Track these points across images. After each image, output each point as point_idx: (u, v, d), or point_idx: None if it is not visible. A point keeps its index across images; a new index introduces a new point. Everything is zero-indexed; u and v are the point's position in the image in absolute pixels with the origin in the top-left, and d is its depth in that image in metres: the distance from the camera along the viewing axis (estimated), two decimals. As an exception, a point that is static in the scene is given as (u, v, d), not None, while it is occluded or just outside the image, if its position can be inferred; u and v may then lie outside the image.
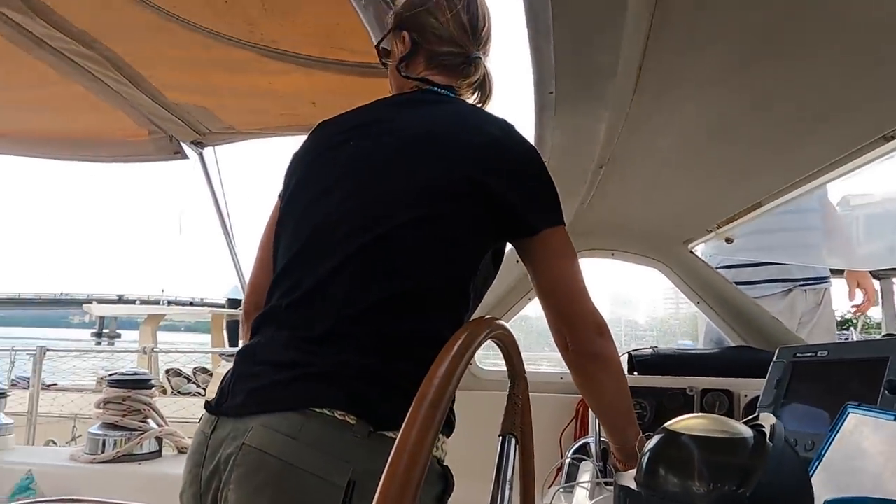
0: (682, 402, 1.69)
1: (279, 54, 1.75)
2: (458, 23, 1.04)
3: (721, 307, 2.01)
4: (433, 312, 0.86)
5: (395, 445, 0.50)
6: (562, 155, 1.38)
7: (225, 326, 9.85)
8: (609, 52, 0.95)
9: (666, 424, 0.71)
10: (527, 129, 1.27)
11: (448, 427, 0.90)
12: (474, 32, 1.06)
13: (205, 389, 7.30)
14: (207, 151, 2.49)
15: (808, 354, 1.12)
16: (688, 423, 0.64)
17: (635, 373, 1.91)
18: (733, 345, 2.01)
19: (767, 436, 0.58)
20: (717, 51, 0.97)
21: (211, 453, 0.79)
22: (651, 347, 1.97)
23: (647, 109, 1.18)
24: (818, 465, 0.77)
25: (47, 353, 4.02)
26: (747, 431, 0.59)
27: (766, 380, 1.17)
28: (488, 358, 2.13)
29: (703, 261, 2.09)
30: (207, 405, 0.86)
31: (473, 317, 0.99)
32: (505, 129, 0.99)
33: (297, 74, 1.84)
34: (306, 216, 0.92)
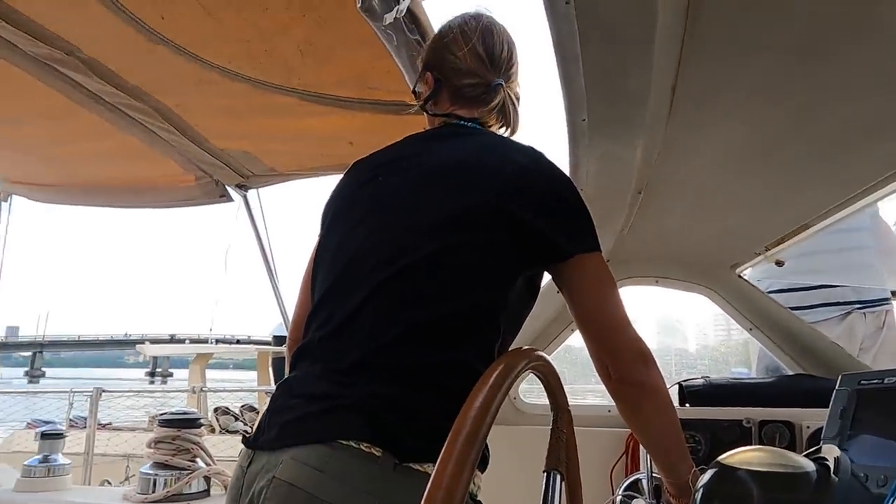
0: (739, 435, 1.60)
1: (317, 97, 1.81)
2: (474, 54, 1.06)
3: (775, 333, 1.92)
4: (459, 342, 0.85)
5: (430, 480, 0.48)
6: (598, 182, 1.37)
7: (270, 363, 10.00)
8: (640, 76, 0.95)
9: (720, 458, 0.67)
10: (561, 156, 1.27)
11: (483, 462, 0.88)
12: (492, 60, 1.07)
13: (251, 427, 7.37)
14: (251, 193, 2.58)
15: (875, 381, 1.04)
16: (744, 456, 0.60)
17: (687, 404, 1.82)
18: (790, 373, 1.91)
19: (832, 469, 0.54)
20: (753, 67, 0.95)
21: (247, 487, 0.80)
22: (703, 377, 1.88)
23: (683, 131, 1.16)
24: (894, 501, 0.71)
25: (103, 393, 4.15)
26: (809, 465, 0.56)
27: (829, 409, 1.09)
28: (532, 392, 2.08)
29: (753, 285, 2.01)
30: (245, 439, 0.87)
31: (512, 347, 0.97)
32: (532, 156, 0.98)
33: (335, 116, 1.89)
34: (339, 251, 0.95)
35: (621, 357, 0.91)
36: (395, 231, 0.91)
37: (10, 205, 2.75)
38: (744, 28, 0.85)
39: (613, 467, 1.80)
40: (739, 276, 1.98)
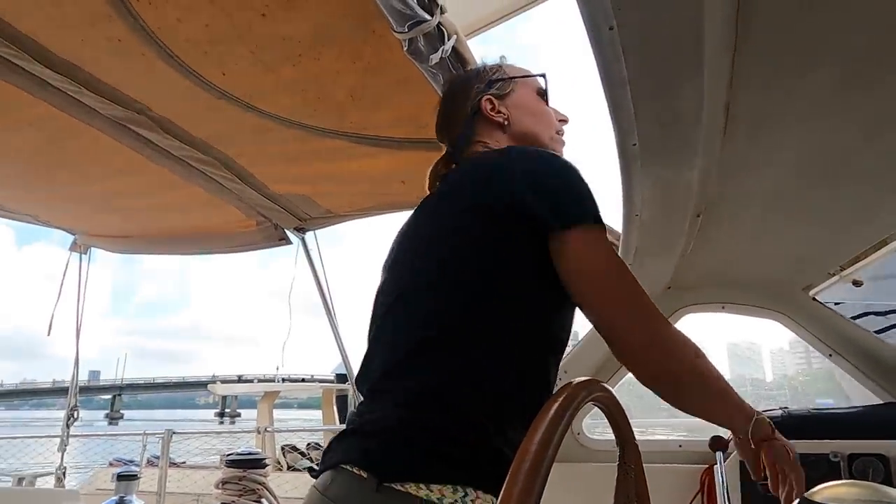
0: (827, 470, 1.48)
1: (368, 139, 1.87)
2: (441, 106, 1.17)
3: (859, 358, 1.79)
4: (466, 355, 0.82)
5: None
6: (653, 207, 1.33)
7: (335, 401, 10.10)
8: (691, 97, 0.93)
9: (808, 493, 0.62)
10: (614, 183, 1.25)
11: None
12: (445, 108, 1.14)
13: (317, 465, 7.40)
14: (308, 236, 2.67)
15: (978, 408, 0.95)
16: (835, 491, 0.55)
17: (765, 438, 1.71)
18: (881, 402, 1.76)
19: (937, 507, 0.49)
20: (812, 80, 0.92)
21: None
22: (781, 408, 1.77)
23: (741, 149, 1.12)
24: None
25: (173, 434, 4.29)
26: (910, 501, 0.50)
27: (927, 440, 1.00)
28: (596, 426, 2.00)
29: (830, 308, 1.88)
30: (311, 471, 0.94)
31: (561, 372, 0.94)
32: (505, 151, 0.98)
33: (386, 156, 1.94)
34: (381, 290, 1.00)
35: (623, 350, 0.85)
36: (400, 265, 0.97)
37: (89, 256, 2.94)
38: (800, 35, 0.82)
39: (689, 506, 1.69)
40: (814, 299, 1.87)
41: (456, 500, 0.73)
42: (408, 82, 1.49)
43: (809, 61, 0.88)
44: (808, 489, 0.79)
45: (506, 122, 1.07)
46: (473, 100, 1.08)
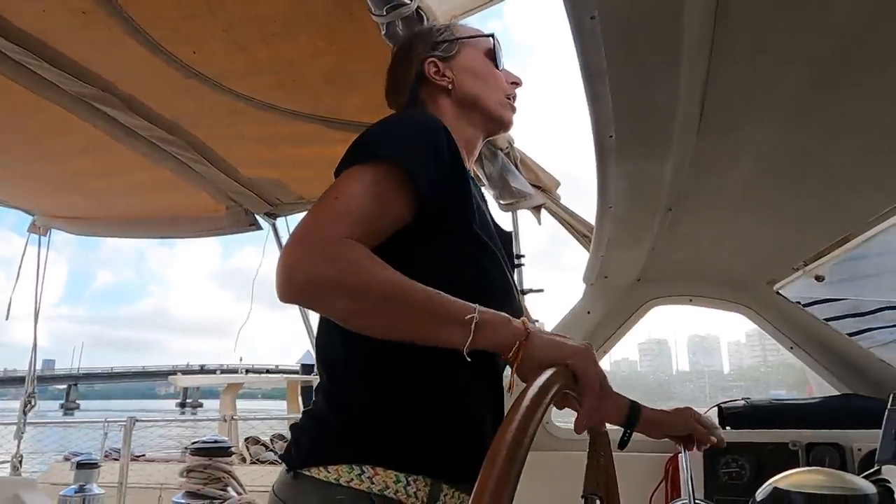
0: (786, 459, 1.53)
1: (343, 124, 1.84)
2: None
3: (819, 351, 1.85)
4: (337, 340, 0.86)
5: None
6: (627, 199, 1.35)
7: (300, 392, 10.02)
8: (668, 89, 0.93)
9: (772, 480, 0.64)
10: (589, 174, 1.25)
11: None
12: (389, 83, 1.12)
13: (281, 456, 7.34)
14: (279, 221, 2.62)
15: (930, 399, 0.99)
16: (798, 478, 0.57)
17: (727, 427, 1.76)
18: (837, 393, 1.83)
19: (896, 492, 0.51)
20: (787, 78, 0.93)
21: None
22: (744, 398, 1.82)
23: (714, 145, 1.14)
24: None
25: (136, 423, 4.20)
26: (870, 487, 0.52)
27: (882, 430, 1.04)
28: (563, 415, 2.03)
29: (792, 302, 1.94)
30: None
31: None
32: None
33: (360, 142, 1.92)
34: None
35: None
36: None
37: (48, 238, 2.84)
38: (775, 35, 0.84)
39: (653, 494, 1.73)
40: (777, 293, 1.92)
41: (352, 478, 0.78)
42: (384, 67, 1.47)
43: (782, 61, 0.90)
44: (768, 476, 0.82)
45: (450, 87, 1.02)
46: (418, 62, 1.04)
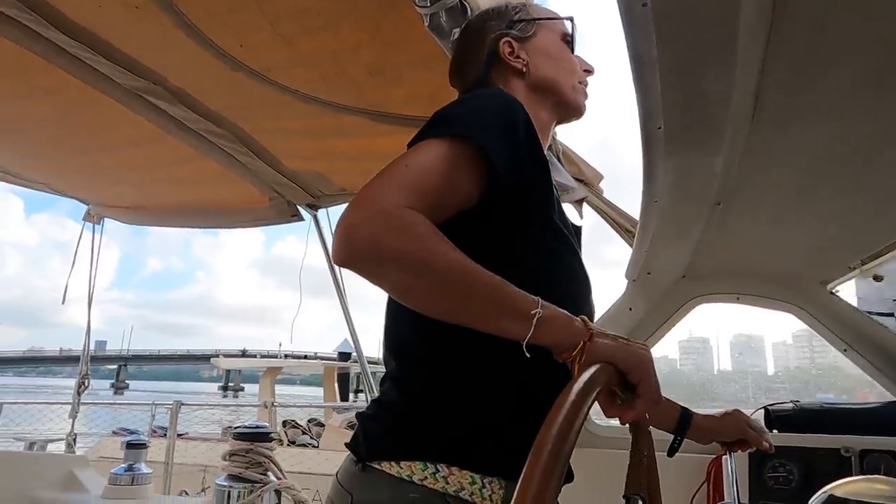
0: (838, 465, 1.47)
1: (385, 116, 1.85)
2: None
3: (874, 354, 1.77)
4: (419, 334, 0.81)
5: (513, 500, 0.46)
6: (674, 193, 1.31)
7: (336, 379, 10.20)
8: (721, 80, 0.90)
9: (828, 488, 0.61)
10: (636, 165, 1.22)
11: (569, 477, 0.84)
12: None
13: (318, 441, 7.50)
14: (321, 213, 2.66)
15: None
16: (857, 486, 0.54)
17: (774, 430, 1.70)
18: (893, 399, 1.75)
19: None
20: (848, 69, 0.89)
21: None
22: (792, 401, 1.75)
23: (767, 139, 1.09)
24: None
25: (182, 406, 4.34)
26: (937, 499, 0.49)
27: (945, 439, 0.99)
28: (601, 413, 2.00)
29: (848, 302, 1.86)
30: None
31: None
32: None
33: (402, 135, 1.90)
34: None
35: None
36: None
37: (102, 226, 2.95)
38: (836, 24, 0.80)
39: (694, 495, 1.70)
40: (832, 293, 1.84)
41: (426, 477, 0.75)
42: (428, 59, 1.47)
43: (842, 52, 0.86)
44: (818, 482, 0.79)
45: (524, 69, 0.98)
46: (491, 41, 1.00)
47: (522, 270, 0.75)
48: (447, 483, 0.75)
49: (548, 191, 0.85)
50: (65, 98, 1.83)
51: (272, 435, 2.59)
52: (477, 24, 1.05)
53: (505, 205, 0.79)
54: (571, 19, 1.05)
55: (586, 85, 1.05)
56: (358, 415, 0.88)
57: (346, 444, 0.85)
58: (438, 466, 0.75)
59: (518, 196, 0.80)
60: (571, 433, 0.52)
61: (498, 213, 0.79)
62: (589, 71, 1.05)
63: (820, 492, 0.61)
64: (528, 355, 0.67)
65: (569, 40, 1.04)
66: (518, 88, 0.98)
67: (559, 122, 1.06)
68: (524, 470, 0.48)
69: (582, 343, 0.69)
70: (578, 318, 0.72)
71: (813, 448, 1.53)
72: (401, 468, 0.76)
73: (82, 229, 2.90)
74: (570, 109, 1.03)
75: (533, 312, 0.67)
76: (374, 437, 0.81)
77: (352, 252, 0.67)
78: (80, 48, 1.56)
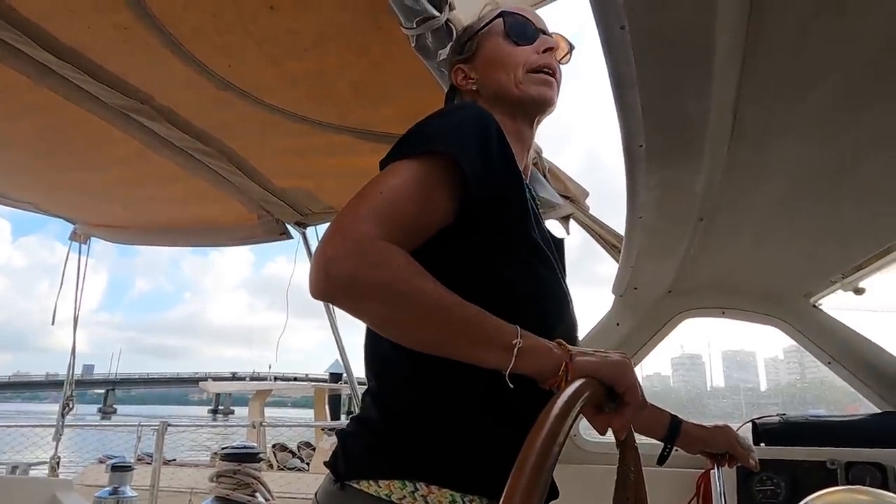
0: (823, 478, 1.48)
1: (372, 135, 1.87)
2: None
3: (858, 367, 1.79)
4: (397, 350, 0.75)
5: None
6: (657, 209, 1.33)
7: (327, 400, 10.11)
8: (699, 99, 0.92)
9: (810, 499, 0.62)
10: (619, 183, 1.24)
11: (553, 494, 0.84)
12: None
13: (308, 464, 7.41)
14: (310, 231, 2.66)
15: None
16: (839, 497, 0.55)
17: (762, 444, 1.71)
18: (878, 411, 1.76)
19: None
20: (821, 88, 0.92)
21: None
22: (779, 415, 1.77)
23: (747, 155, 1.12)
24: None
25: (168, 427, 4.28)
26: (914, 508, 0.50)
27: (927, 450, 1.00)
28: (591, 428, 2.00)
29: (831, 315, 1.88)
30: None
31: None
32: None
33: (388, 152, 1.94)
34: None
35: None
36: None
37: (88, 246, 2.93)
38: (809, 45, 0.82)
39: (684, 511, 1.69)
40: (814, 306, 1.87)
41: (405, 496, 0.73)
42: (413, 79, 1.48)
43: (817, 71, 0.88)
44: (805, 495, 0.79)
45: (475, 87, 0.97)
46: (449, 76, 1.01)
47: (499, 286, 0.76)
48: (426, 502, 0.73)
49: (523, 202, 0.84)
50: (51, 117, 1.83)
51: (260, 455, 2.56)
52: (447, 68, 1.06)
53: (481, 219, 0.79)
54: (501, 13, 0.99)
55: (546, 67, 0.95)
56: (338, 432, 0.86)
57: (325, 463, 0.84)
58: (417, 485, 0.73)
59: (493, 209, 0.79)
60: (554, 447, 0.52)
61: (474, 228, 0.79)
62: (549, 48, 0.96)
63: (802, 503, 0.62)
64: (511, 386, 0.67)
65: (510, 33, 0.96)
66: (484, 104, 0.95)
67: (532, 122, 0.98)
68: (507, 485, 0.48)
69: (564, 364, 0.69)
70: (555, 343, 0.72)
71: (799, 461, 1.54)
72: (379, 487, 0.74)
73: (69, 249, 2.87)
74: (526, 104, 0.95)
75: (513, 342, 0.67)
76: (352, 455, 0.80)
77: (330, 286, 0.67)
78: (67, 68, 1.56)
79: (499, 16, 0.98)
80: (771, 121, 1.02)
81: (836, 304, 1.89)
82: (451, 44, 1.08)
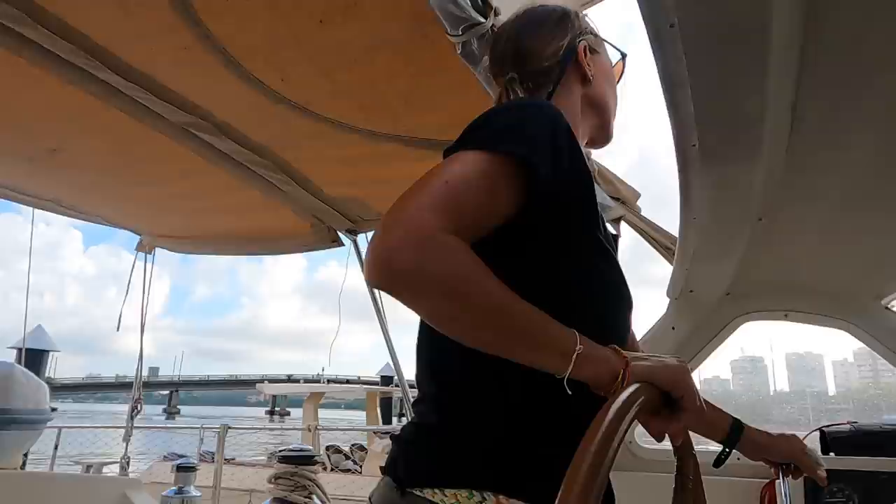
0: (901, 490, 1.40)
1: (421, 143, 1.89)
2: None
3: (938, 373, 1.67)
4: (471, 356, 0.70)
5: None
6: (713, 210, 1.29)
7: (379, 403, 10.25)
8: (755, 96, 0.89)
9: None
10: (672, 183, 1.21)
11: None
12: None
13: (361, 466, 7.52)
14: (361, 238, 2.72)
15: None
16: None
17: (831, 453, 1.63)
18: (962, 419, 1.65)
19: None
20: (886, 78, 0.87)
21: None
22: (850, 422, 1.68)
23: (808, 150, 1.07)
24: None
25: (228, 430, 4.44)
26: None
27: None
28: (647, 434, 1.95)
29: (905, 318, 1.77)
30: None
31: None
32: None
33: (438, 159, 1.95)
34: None
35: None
36: None
37: (153, 256, 3.08)
38: (872, 34, 0.78)
39: (747, 522, 1.63)
40: (887, 308, 1.76)
41: None
42: (461, 85, 1.50)
43: (880, 61, 0.84)
44: (881, 509, 0.75)
45: (590, 78, 0.98)
46: (570, 39, 0.97)
47: (562, 287, 0.76)
48: None
49: (592, 203, 0.82)
50: (119, 135, 1.94)
51: (316, 458, 2.62)
52: (551, 19, 1.00)
53: (547, 219, 0.77)
54: (625, 56, 1.07)
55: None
56: (394, 438, 0.85)
57: (381, 468, 0.83)
58: (485, 495, 0.71)
59: (560, 210, 0.77)
60: (609, 450, 0.52)
61: (539, 228, 0.77)
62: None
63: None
64: (569, 391, 0.66)
65: (618, 75, 1.06)
66: (576, 93, 0.97)
67: (588, 144, 1.05)
68: (562, 486, 0.48)
69: (622, 372, 0.68)
70: (611, 349, 0.70)
71: (873, 472, 1.45)
72: (445, 496, 0.72)
73: (135, 259, 3.03)
74: (605, 136, 1.04)
75: (573, 349, 0.66)
76: (414, 462, 0.78)
77: (392, 278, 0.64)
78: (134, 89, 1.65)
79: (624, 56, 1.07)
80: (834, 114, 0.97)
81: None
82: (563, 13, 1.01)
